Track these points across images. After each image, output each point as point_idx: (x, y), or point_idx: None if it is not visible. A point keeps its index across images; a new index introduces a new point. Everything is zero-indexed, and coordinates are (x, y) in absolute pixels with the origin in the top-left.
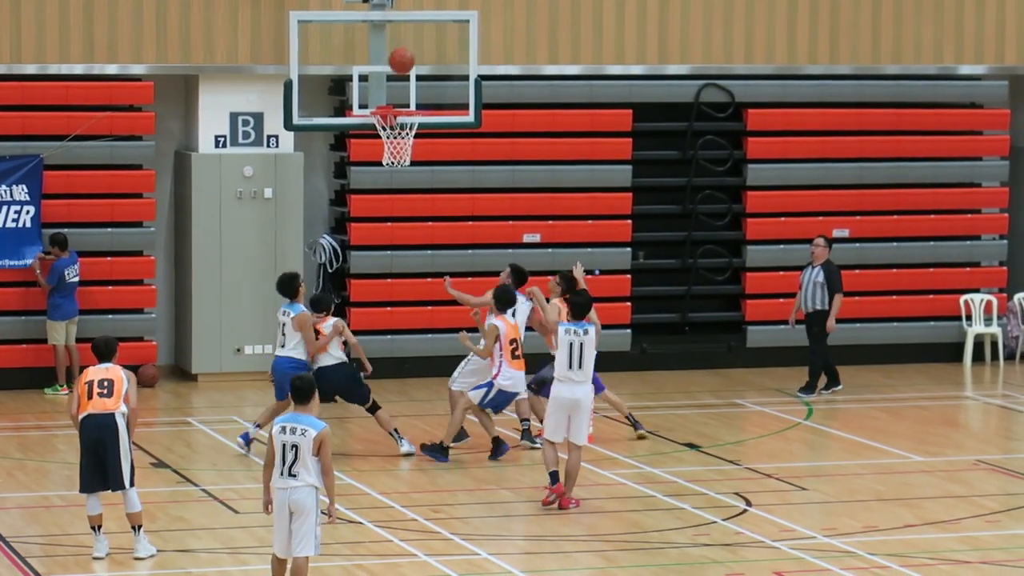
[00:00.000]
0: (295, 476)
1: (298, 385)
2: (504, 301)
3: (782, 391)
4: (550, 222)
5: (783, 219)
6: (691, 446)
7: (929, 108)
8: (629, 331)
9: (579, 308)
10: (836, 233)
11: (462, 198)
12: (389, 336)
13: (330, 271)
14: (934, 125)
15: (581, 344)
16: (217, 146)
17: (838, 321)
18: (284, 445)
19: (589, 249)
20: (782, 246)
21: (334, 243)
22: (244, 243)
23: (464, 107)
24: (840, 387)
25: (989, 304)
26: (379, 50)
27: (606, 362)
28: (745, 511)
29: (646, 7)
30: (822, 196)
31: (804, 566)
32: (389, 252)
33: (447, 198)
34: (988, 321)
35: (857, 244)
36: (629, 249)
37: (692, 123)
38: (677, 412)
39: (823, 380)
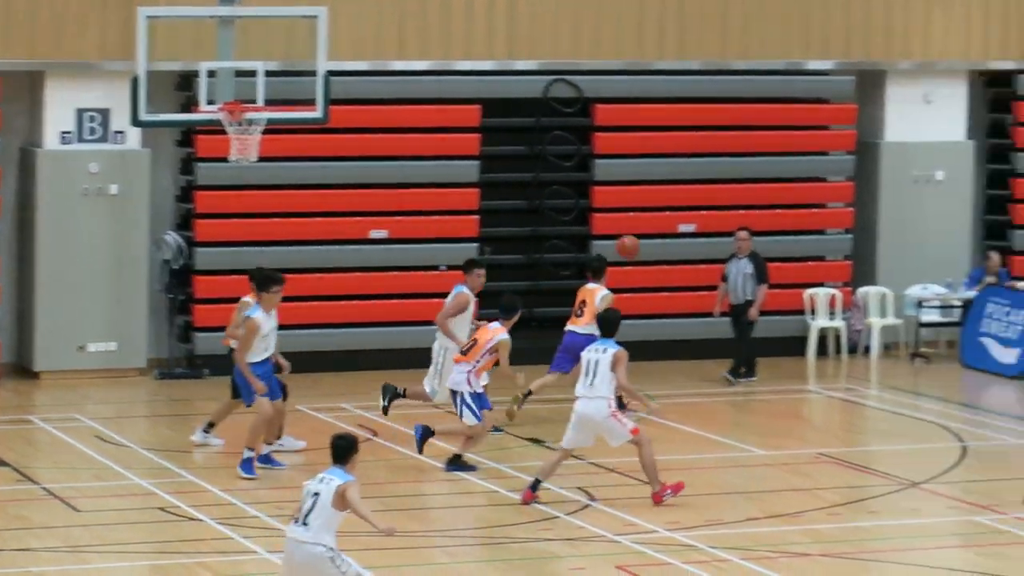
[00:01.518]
0: (307, 526)
1: (340, 444)
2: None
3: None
4: (397, 218)
5: (630, 214)
6: (535, 441)
7: (776, 103)
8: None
9: (607, 324)
10: (683, 228)
11: (310, 194)
12: None
13: (175, 268)
14: (781, 120)
15: (597, 361)
16: (63, 142)
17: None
18: (307, 492)
19: (436, 245)
20: None
21: (180, 240)
22: (90, 240)
23: (312, 103)
24: (756, 378)
25: (833, 298)
26: (227, 46)
27: None
28: (588, 506)
29: (495, 2)
30: (669, 191)
31: (646, 560)
32: (235, 248)
33: (295, 194)
34: (832, 315)
35: (704, 239)
36: (476, 244)
37: (540, 119)
38: (523, 407)
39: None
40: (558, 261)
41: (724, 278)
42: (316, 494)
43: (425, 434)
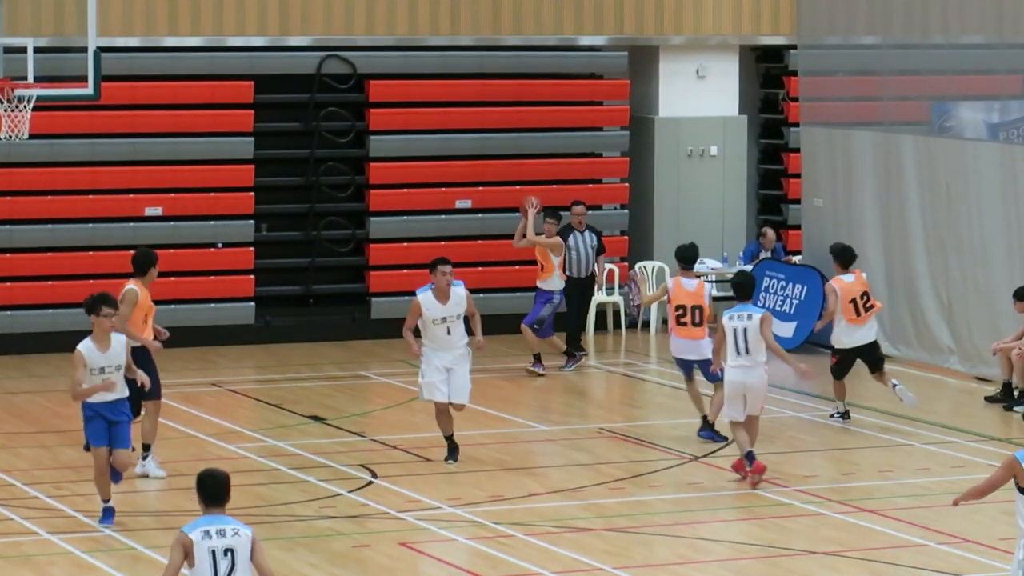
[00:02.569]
0: None
1: (213, 484)
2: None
3: (406, 362)
4: (172, 195)
5: (406, 190)
6: (316, 418)
7: (550, 79)
8: (253, 304)
9: (743, 289)
10: (459, 204)
11: (81, 171)
12: (9, 312)
13: None
14: (555, 96)
15: (745, 329)
16: None
17: None
18: (214, 551)
19: (212, 222)
20: (405, 217)
21: None
22: None
23: (83, 79)
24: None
25: (611, 273)
26: None
27: (230, 335)
28: (371, 483)
29: None
30: (445, 167)
31: (430, 536)
32: (8, 227)
33: (66, 171)
34: (610, 290)
35: (480, 214)
36: (252, 221)
37: (314, 95)
38: (302, 384)
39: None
40: (335, 238)
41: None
42: (230, 550)
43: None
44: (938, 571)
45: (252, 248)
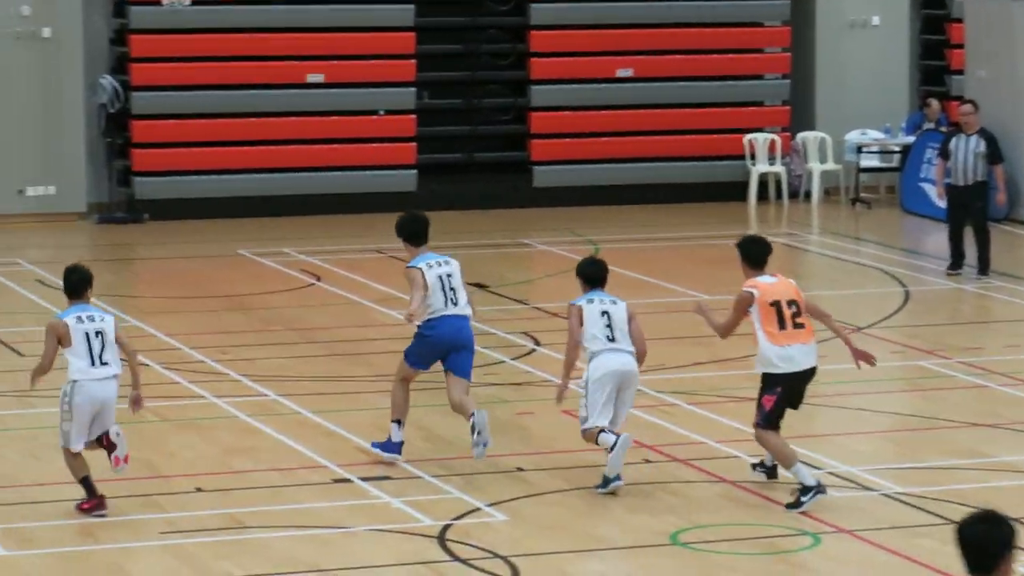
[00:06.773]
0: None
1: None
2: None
3: (569, 231)
4: (333, 62)
5: (567, 58)
6: (479, 286)
7: None
8: (415, 171)
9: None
10: (620, 72)
11: (244, 38)
12: (172, 177)
13: (112, 112)
14: None
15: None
16: None
17: None
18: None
19: (373, 89)
20: (566, 86)
21: (115, 83)
22: (24, 84)
23: None
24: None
25: (773, 143)
26: None
27: (392, 203)
28: (533, 351)
29: None
30: (605, 35)
31: None
32: (173, 93)
33: (229, 38)
34: (772, 160)
35: (641, 83)
36: (413, 89)
37: None
38: (464, 252)
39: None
40: (496, 106)
41: (942, 154)
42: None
43: None
44: None
45: (414, 116)
